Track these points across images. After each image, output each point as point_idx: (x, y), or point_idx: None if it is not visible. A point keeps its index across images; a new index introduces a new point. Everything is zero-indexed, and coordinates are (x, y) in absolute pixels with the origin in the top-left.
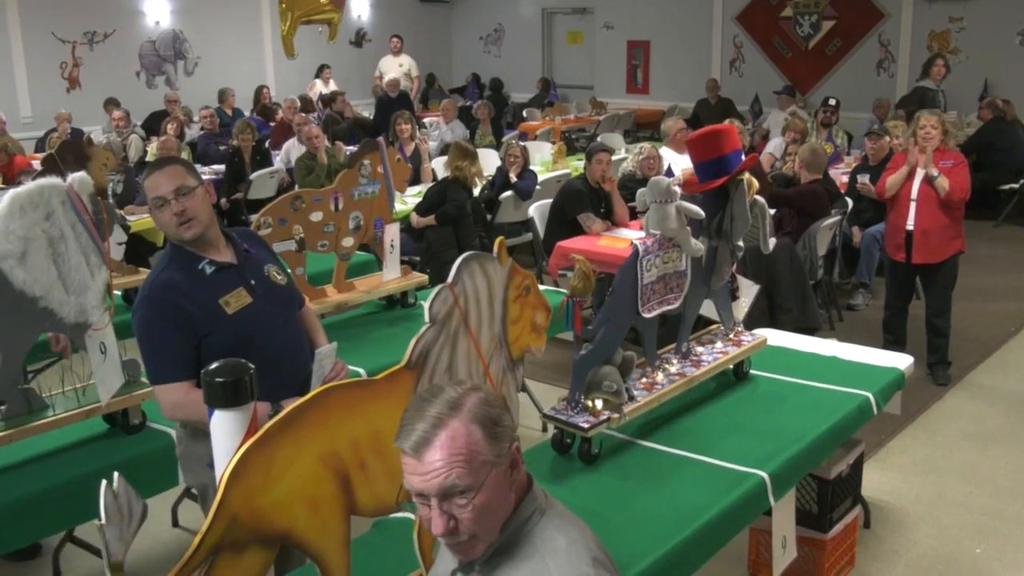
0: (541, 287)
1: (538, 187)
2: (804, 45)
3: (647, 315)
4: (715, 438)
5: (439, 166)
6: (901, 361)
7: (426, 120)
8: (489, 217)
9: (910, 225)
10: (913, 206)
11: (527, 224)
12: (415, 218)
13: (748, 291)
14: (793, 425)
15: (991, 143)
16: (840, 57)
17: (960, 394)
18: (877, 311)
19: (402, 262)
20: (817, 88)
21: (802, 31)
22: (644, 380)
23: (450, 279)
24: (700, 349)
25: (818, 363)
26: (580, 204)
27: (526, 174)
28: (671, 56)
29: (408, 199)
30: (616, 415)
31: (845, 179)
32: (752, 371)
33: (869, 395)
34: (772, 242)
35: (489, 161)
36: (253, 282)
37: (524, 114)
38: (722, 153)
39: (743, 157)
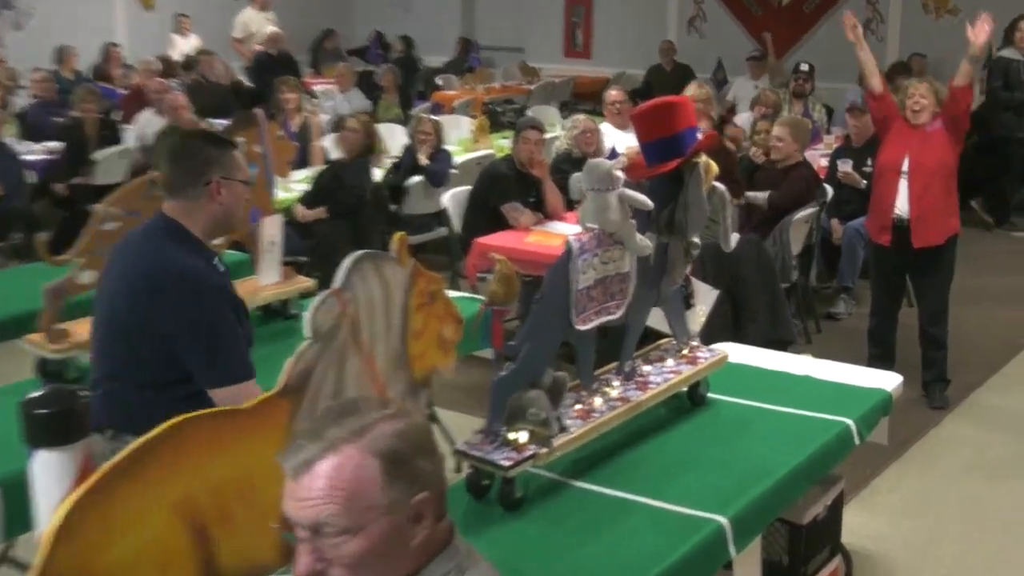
0: (455, 293)
1: (454, 171)
2: (777, 1)
3: (582, 327)
4: (664, 477)
5: (332, 145)
6: (888, 380)
7: (317, 88)
8: (393, 208)
9: (900, 210)
10: (904, 183)
11: (440, 216)
12: (300, 210)
13: (706, 297)
14: (759, 459)
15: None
16: (819, 16)
17: (960, 418)
18: (861, 321)
19: (285, 263)
20: (792, 52)
21: None
22: (579, 407)
23: (337, 283)
24: (647, 368)
25: (789, 384)
26: (505, 192)
27: (439, 155)
28: (618, 13)
29: (293, 186)
30: (544, 450)
31: (824, 162)
32: (710, 394)
33: (850, 422)
34: (735, 238)
35: (395, 138)
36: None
37: (439, 82)
38: (675, 130)
39: (699, 135)
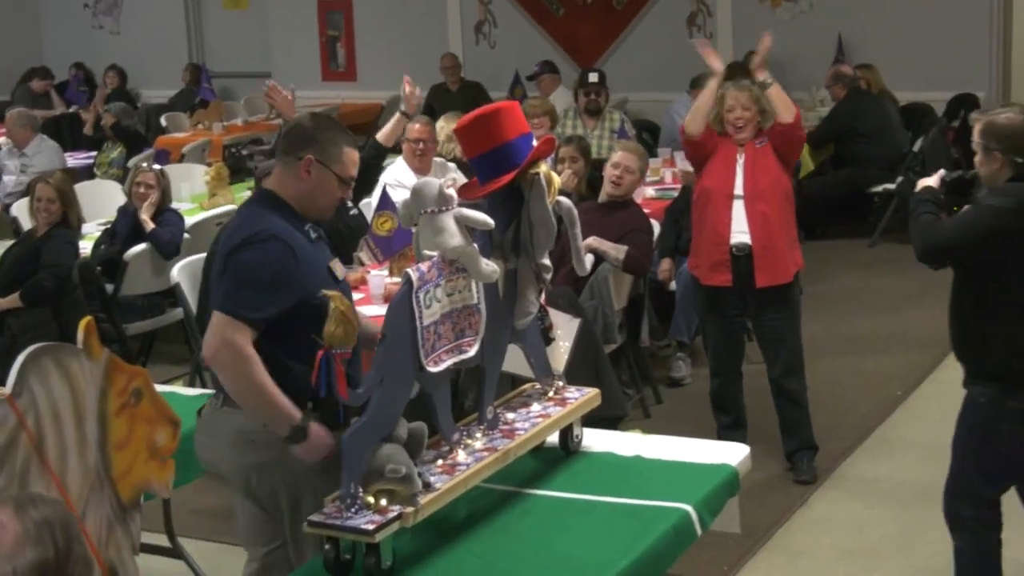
0: (195, 391)
1: (186, 235)
2: None
3: (435, 369)
4: None
5: (23, 212)
6: (732, 454)
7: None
8: (110, 288)
9: (739, 236)
10: (739, 206)
11: (173, 294)
12: None
13: (567, 329)
14: (578, 564)
15: (852, 128)
16: (633, 14)
17: (831, 493)
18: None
19: None
20: (605, 59)
21: None
22: (441, 462)
23: (8, 387)
24: (511, 416)
25: (615, 468)
26: None
27: (166, 216)
28: (386, 22)
29: None
30: (410, 508)
31: (650, 193)
32: (522, 489)
33: (688, 508)
34: (589, 260)
35: (106, 196)
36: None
37: (163, 122)
38: (506, 139)
39: (534, 141)
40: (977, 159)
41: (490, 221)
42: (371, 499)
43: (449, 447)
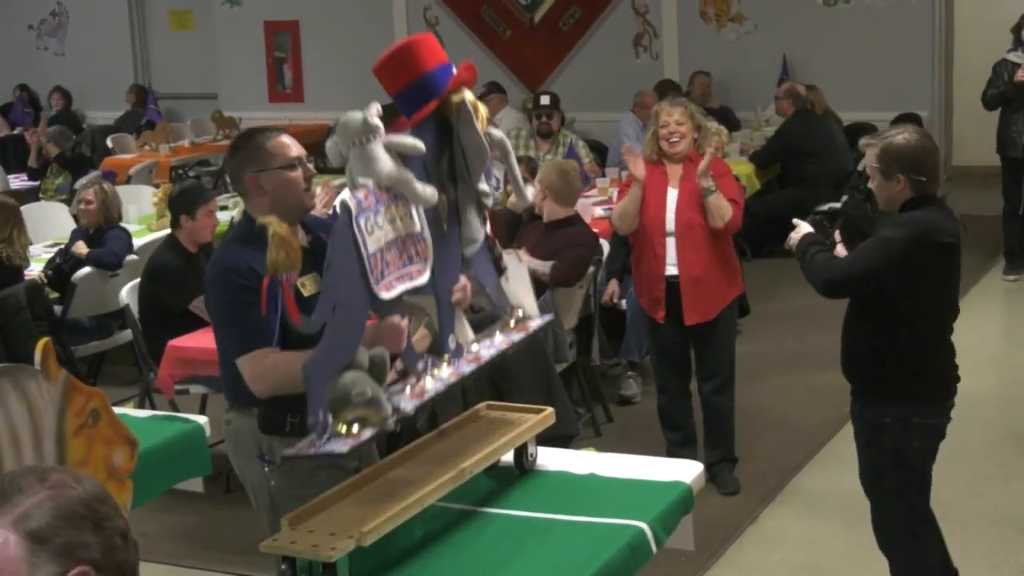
0: (146, 412)
1: (133, 257)
2: (528, 18)
3: (387, 295)
4: None
5: None
6: (687, 471)
7: None
8: (59, 310)
9: (672, 269)
10: (671, 243)
11: (122, 316)
12: None
13: (517, 270)
14: None
15: (799, 148)
16: (579, 35)
17: (782, 509)
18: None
19: None
20: (552, 80)
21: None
22: (410, 389)
23: None
24: (475, 346)
25: (570, 486)
26: (179, 287)
27: (110, 233)
28: (333, 43)
29: None
30: (389, 427)
31: (599, 212)
32: (475, 507)
33: (643, 525)
34: (530, 191)
35: (53, 218)
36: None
37: (109, 143)
38: (424, 70)
39: (454, 70)
40: (874, 184)
41: (420, 144)
42: (342, 427)
43: (416, 376)
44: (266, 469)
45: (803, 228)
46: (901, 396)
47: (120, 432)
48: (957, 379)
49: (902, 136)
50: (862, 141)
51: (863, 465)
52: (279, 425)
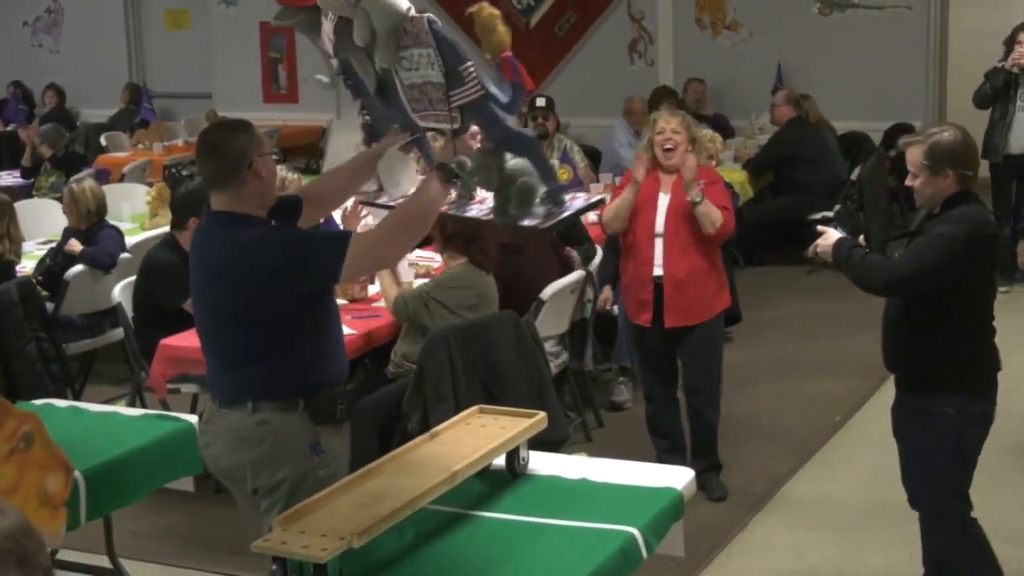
0: (137, 411)
1: (126, 255)
2: (524, 23)
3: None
4: None
5: None
6: (678, 477)
7: None
8: (51, 307)
9: (659, 271)
10: (659, 245)
11: (114, 314)
12: None
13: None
14: None
15: (793, 155)
16: (575, 40)
17: (771, 517)
18: None
19: None
20: (547, 85)
21: (520, 3)
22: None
23: None
24: None
25: (561, 491)
26: (175, 286)
27: (102, 233)
28: None
29: None
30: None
31: (591, 217)
32: (467, 510)
33: (634, 531)
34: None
35: (46, 215)
36: None
37: (103, 142)
38: None
39: None
40: (919, 181)
41: None
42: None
43: None
44: (316, 459)
45: (832, 234)
46: (959, 387)
47: (55, 457)
48: (1000, 365)
49: (947, 133)
50: (901, 141)
51: (912, 463)
52: (331, 414)
